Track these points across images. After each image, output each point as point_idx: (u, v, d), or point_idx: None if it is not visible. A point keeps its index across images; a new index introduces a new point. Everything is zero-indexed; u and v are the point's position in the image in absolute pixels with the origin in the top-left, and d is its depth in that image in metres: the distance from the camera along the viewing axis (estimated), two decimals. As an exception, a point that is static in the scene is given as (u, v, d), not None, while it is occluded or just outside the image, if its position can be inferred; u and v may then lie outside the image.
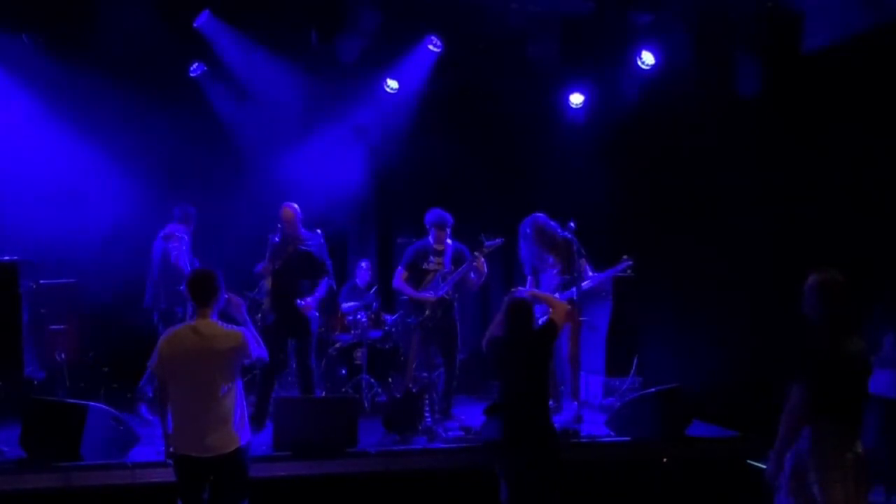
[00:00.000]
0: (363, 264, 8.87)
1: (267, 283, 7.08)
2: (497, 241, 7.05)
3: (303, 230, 7.13)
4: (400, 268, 7.42)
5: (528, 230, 7.32)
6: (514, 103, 9.23)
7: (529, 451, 5.07)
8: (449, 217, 7.29)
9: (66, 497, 5.54)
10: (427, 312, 7.17)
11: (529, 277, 7.46)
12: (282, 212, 7.06)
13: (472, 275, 7.13)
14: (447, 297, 7.22)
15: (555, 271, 7.27)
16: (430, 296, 7.19)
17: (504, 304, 5.37)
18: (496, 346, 5.31)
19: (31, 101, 8.19)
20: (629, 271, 7.19)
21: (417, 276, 7.32)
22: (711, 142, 7.63)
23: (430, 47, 8.55)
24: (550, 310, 5.53)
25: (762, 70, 7.26)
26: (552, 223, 7.28)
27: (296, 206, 7.10)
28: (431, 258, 7.32)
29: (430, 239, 7.34)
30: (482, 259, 7.04)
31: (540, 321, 5.67)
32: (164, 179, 8.34)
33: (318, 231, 7.30)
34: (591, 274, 7.25)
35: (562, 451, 5.21)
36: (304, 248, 7.08)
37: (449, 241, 7.33)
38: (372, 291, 8.72)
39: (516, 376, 5.20)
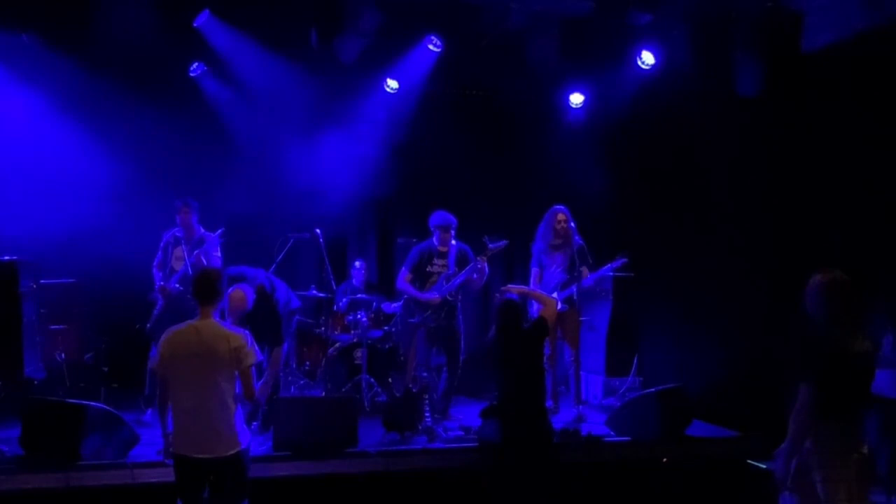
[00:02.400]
0: (357, 264, 8.87)
1: None
2: (501, 243, 7.07)
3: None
4: (404, 269, 7.44)
5: (542, 222, 7.35)
6: (514, 103, 9.23)
7: (528, 452, 5.07)
8: (453, 219, 7.32)
9: (66, 497, 5.52)
10: (429, 313, 7.18)
11: (535, 269, 7.47)
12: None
13: (475, 276, 7.15)
14: (450, 298, 7.23)
15: (558, 269, 7.27)
16: (433, 297, 7.20)
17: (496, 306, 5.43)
18: (491, 347, 5.35)
19: (31, 100, 8.18)
20: (625, 269, 7.19)
21: (422, 278, 7.35)
22: (711, 141, 7.63)
23: (430, 47, 8.54)
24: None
25: (762, 70, 7.26)
26: (568, 224, 7.24)
27: None
28: (436, 260, 7.35)
29: (435, 241, 7.37)
30: (484, 261, 7.05)
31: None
32: (163, 179, 8.32)
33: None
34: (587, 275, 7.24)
35: (560, 452, 5.21)
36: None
37: (453, 242, 7.36)
38: (365, 291, 8.70)
39: (510, 376, 5.21)
